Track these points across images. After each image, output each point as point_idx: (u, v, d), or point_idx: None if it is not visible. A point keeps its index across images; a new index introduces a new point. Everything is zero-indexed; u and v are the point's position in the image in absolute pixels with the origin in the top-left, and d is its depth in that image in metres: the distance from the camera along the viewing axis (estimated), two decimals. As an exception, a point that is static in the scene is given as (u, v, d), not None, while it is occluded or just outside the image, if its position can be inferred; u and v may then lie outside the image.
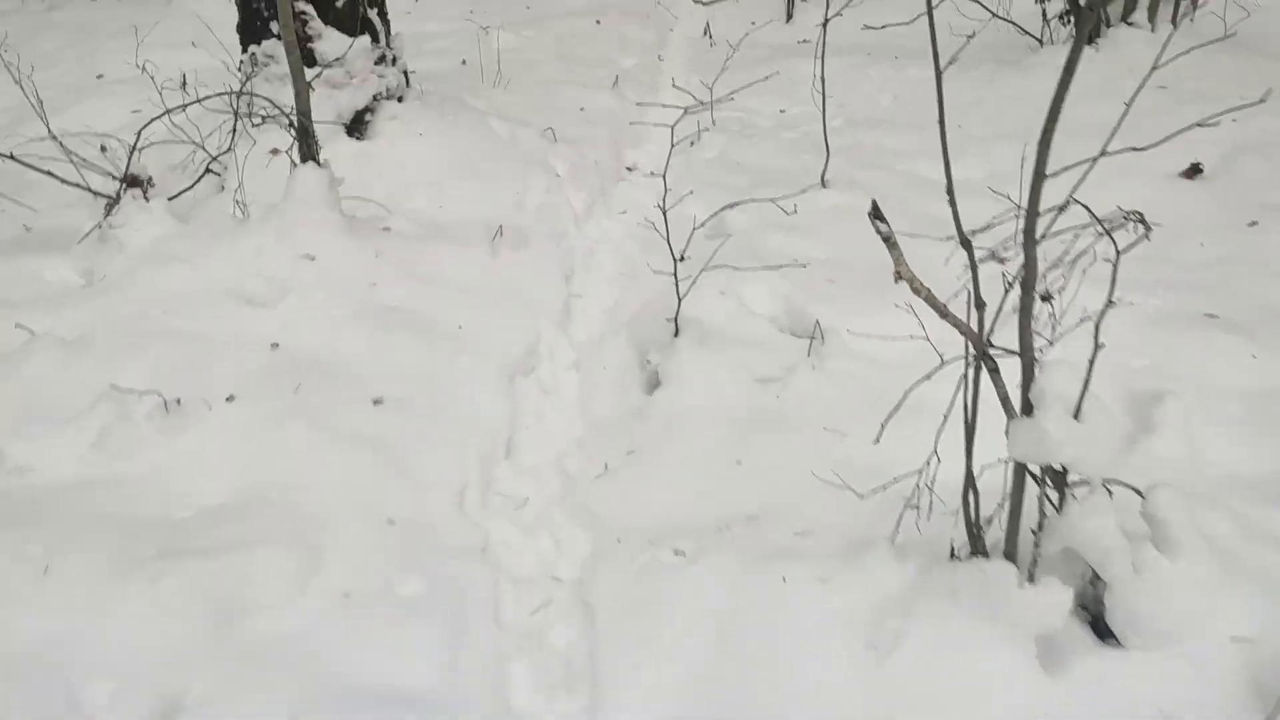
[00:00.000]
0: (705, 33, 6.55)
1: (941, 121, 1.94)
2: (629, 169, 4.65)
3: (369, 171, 3.90)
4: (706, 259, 3.18)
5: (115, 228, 3.43)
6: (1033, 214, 1.85)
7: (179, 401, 2.64)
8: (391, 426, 2.68)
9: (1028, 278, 1.88)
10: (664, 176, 3.14)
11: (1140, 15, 5.23)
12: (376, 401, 2.76)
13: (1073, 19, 5.43)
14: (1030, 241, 1.87)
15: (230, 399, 2.72)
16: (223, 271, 3.19)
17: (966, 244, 1.89)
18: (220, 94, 3.56)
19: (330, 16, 4.04)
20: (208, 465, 2.53)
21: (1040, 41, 5.50)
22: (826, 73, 5.87)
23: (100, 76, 5.61)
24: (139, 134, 3.58)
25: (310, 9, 4.00)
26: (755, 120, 5.10)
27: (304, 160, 3.42)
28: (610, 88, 5.27)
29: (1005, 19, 5.45)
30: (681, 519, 2.41)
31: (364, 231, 3.47)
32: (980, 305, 1.93)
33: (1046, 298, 1.96)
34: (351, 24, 4.07)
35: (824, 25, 4.03)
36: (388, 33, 4.31)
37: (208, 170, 3.82)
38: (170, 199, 3.67)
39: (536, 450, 2.83)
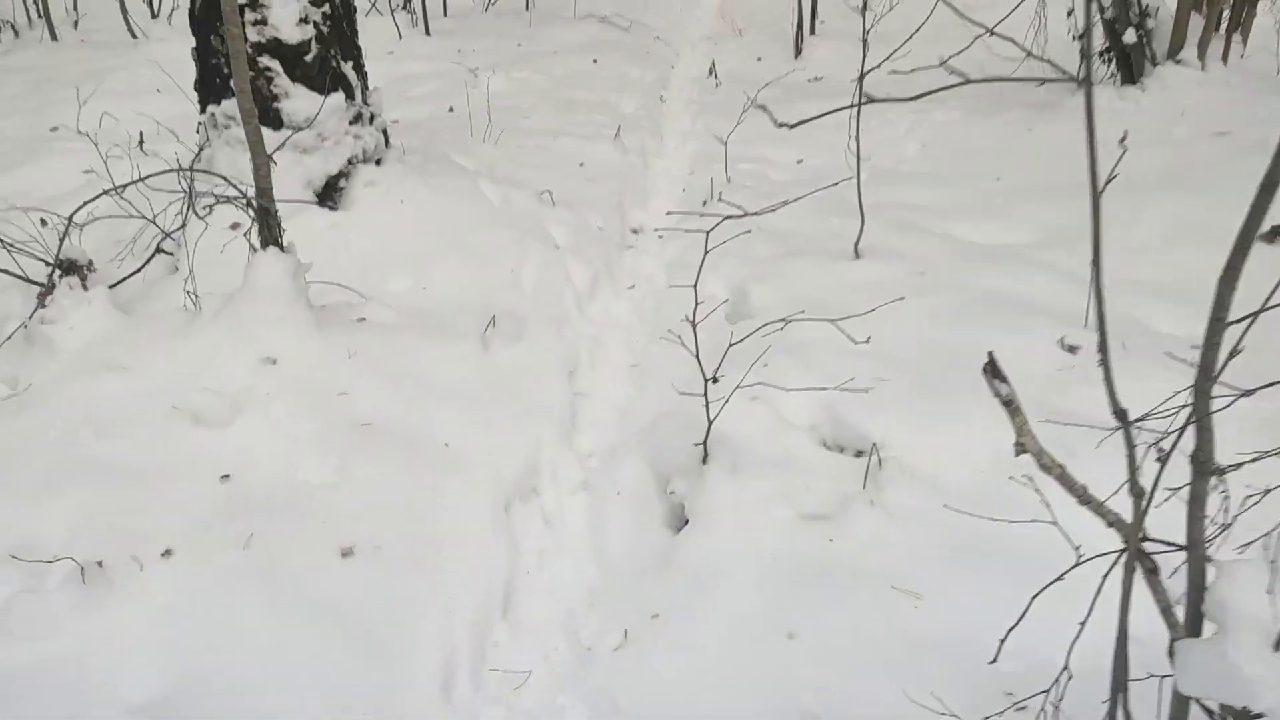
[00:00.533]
0: (710, 72, 6.10)
1: (1096, 262, 1.45)
2: (634, 231, 4.19)
3: (343, 248, 3.43)
4: (738, 368, 2.70)
5: (47, 323, 2.95)
6: (1208, 368, 1.37)
7: (101, 564, 2.15)
8: (364, 588, 2.20)
9: (1201, 451, 1.41)
10: (694, 287, 2.63)
11: (1189, 53, 4.80)
12: (346, 553, 2.28)
13: (1114, 57, 5.00)
14: (1204, 402, 1.40)
15: (167, 554, 2.23)
16: (167, 381, 2.71)
17: (1121, 416, 1.41)
18: (168, 170, 3.09)
19: (298, 72, 3.58)
20: (135, 649, 2.04)
21: (1077, 81, 5.07)
22: (841, 115, 5.46)
23: (55, 129, 5.14)
24: (73, 215, 3.11)
25: (276, 65, 3.54)
26: (771, 173, 4.65)
27: (265, 245, 2.95)
28: (612, 139, 4.82)
29: (1040, 58, 5.01)
30: (722, 714, 1.93)
31: (335, 325, 2.99)
32: (1139, 494, 1.45)
33: (1219, 472, 1.49)
34: (322, 80, 3.62)
35: (859, 80, 3.54)
36: (364, 87, 3.85)
37: (158, 250, 3.35)
38: (113, 286, 3.19)
39: (540, 604, 2.35)
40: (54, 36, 6.78)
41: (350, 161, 3.70)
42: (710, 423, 2.48)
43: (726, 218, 2.36)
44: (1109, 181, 1.44)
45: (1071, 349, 3.00)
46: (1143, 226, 3.70)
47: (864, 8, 7.54)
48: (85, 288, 3.11)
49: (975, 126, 4.90)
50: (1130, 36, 4.77)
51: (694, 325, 2.45)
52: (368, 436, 2.63)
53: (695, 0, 8.69)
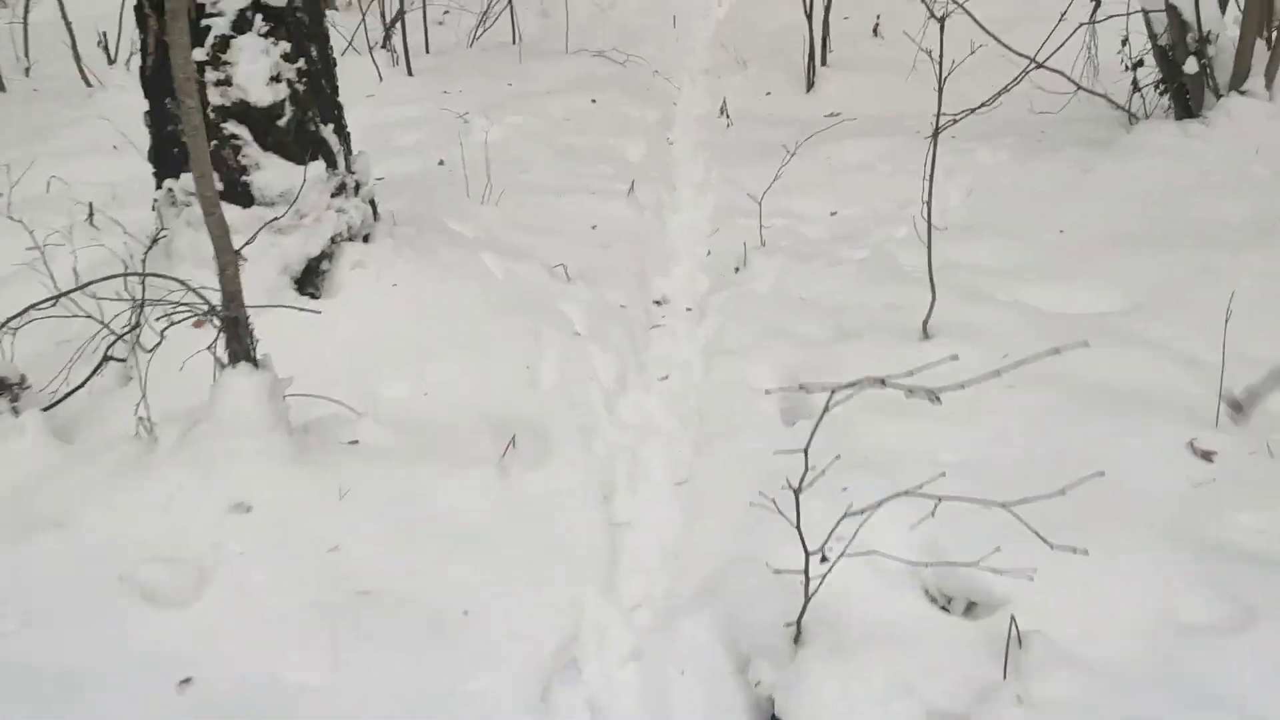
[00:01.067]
0: (722, 111, 5.62)
1: None
2: (658, 303, 3.68)
3: (328, 346, 2.92)
4: (816, 496, 2.19)
5: (-34, 462, 2.42)
6: None
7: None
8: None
9: None
10: (805, 452, 2.05)
11: (1255, 82, 4.36)
12: (345, 792, 1.76)
13: (1170, 89, 4.56)
14: None
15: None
16: (114, 541, 2.18)
17: None
18: (114, 276, 2.56)
19: (270, 140, 3.06)
20: None
21: (1131, 115, 4.62)
22: (869, 156, 5.00)
23: (-2, 197, 4.60)
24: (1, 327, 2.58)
25: (244, 131, 3.02)
26: (804, 228, 4.16)
27: (234, 360, 2.43)
28: (624, 194, 4.32)
29: (1092, 91, 4.56)
30: None
31: (321, 454, 2.47)
32: None
33: None
34: (299, 147, 3.10)
35: (934, 136, 3.07)
36: (347, 152, 3.34)
37: (107, 358, 2.82)
38: (50, 407, 2.66)
39: (597, 840, 1.83)
40: (1, 87, 6.24)
41: (334, 240, 3.18)
42: (808, 599, 1.96)
43: (853, 386, 1.79)
44: None
45: (1206, 455, 2.52)
46: (1248, 285, 3.23)
47: (875, 28, 7.14)
48: (15, 412, 2.58)
49: (1024, 169, 4.44)
50: (1191, 66, 4.32)
51: (797, 493, 1.92)
52: (367, 609, 2.11)
53: (690, 29, 8.23)
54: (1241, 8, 4.43)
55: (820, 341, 3.16)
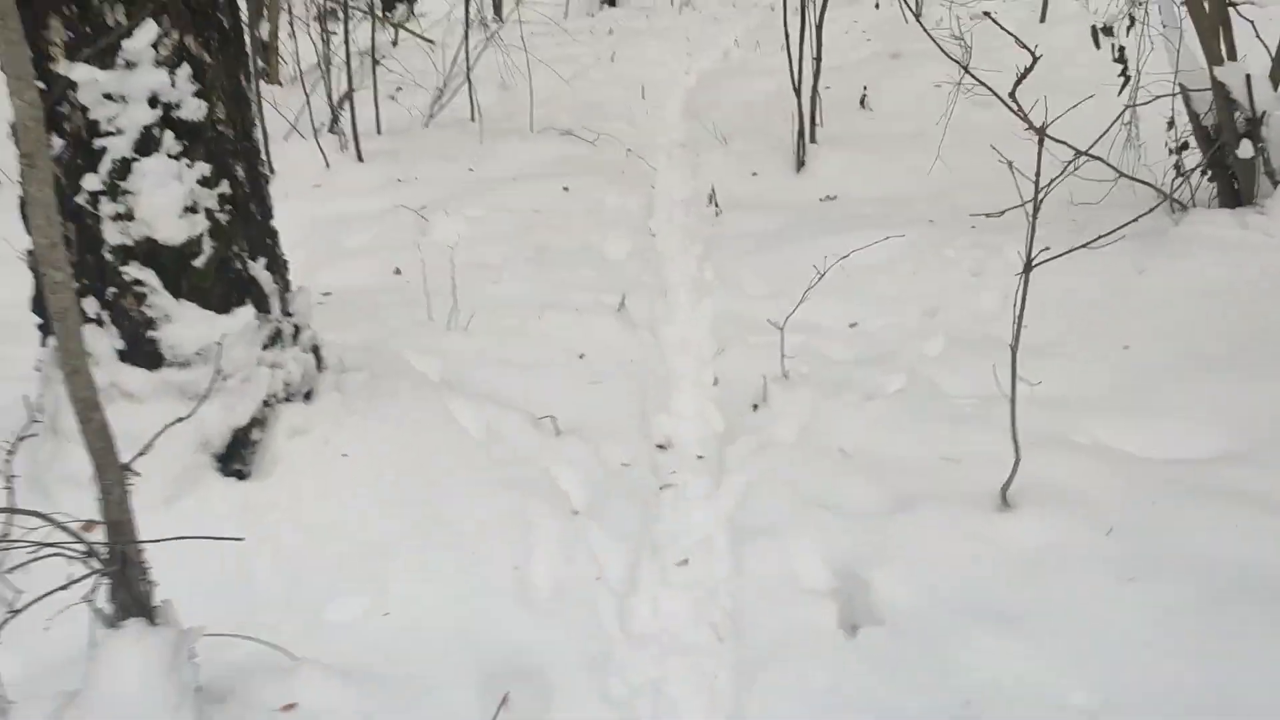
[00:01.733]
0: (710, 200, 5.08)
1: None
2: (661, 447, 3.08)
3: (257, 549, 2.28)
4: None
5: None
6: None
7: None
8: None
9: None
10: None
11: (1313, 168, 3.91)
12: None
13: (1217, 175, 4.10)
14: None
15: None
16: None
17: None
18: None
19: (184, 284, 2.44)
20: None
21: (1176, 203, 4.14)
22: (884, 253, 4.47)
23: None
24: None
25: (150, 276, 2.40)
26: (823, 345, 3.59)
27: (121, 614, 1.78)
28: (613, 310, 3.74)
29: (1135, 179, 4.07)
30: None
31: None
32: None
33: None
34: (222, 291, 2.49)
35: (1025, 273, 2.53)
36: (284, 289, 2.72)
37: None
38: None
39: None
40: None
41: (267, 402, 2.55)
42: None
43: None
44: None
45: None
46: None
47: (862, 99, 6.68)
48: None
49: (1066, 268, 3.91)
50: (1245, 150, 3.86)
51: None
52: None
53: (660, 100, 7.76)
54: (1290, 83, 3.98)
55: (873, 513, 2.57)
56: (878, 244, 4.36)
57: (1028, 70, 2.56)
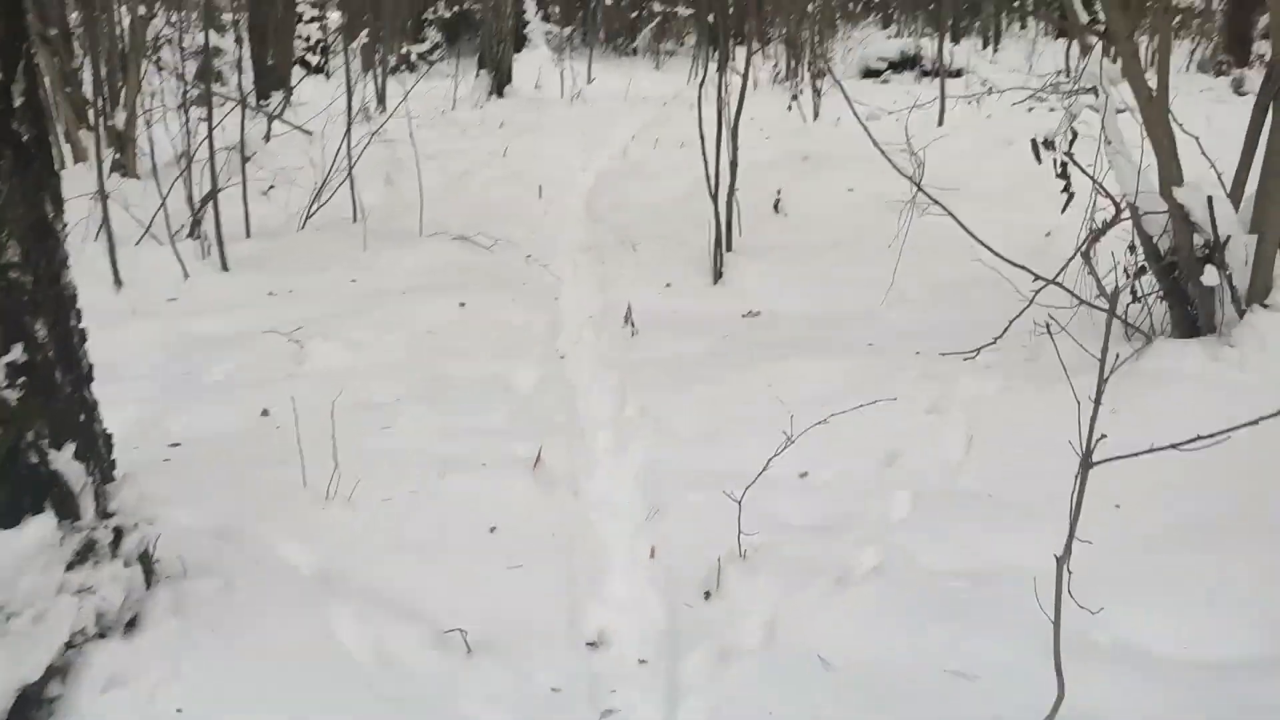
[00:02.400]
0: (626, 320, 4.57)
1: None
2: (592, 645, 2.48)
3: None
4: None
5: None
6: None
7: None
8: None
9: None
10: None
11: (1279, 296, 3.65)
12: None
13: (1169, 301, 3.82)
14: None
15: None
16: None
17: None
18: None
19: (-49, 491, 1.77)
20: None
21: (1136, 331, 3.83)
22: (826, 384, 4.03)
23: None
24: None
25: (-102, 482, 1.72)
26: (777, 507, 3.06)
27: None
28: (527, 464, 3.16)
29: (1096, 306, 3.75)
30: None
31: None
32: None
33: None
34: (7, 496, 1.82)
35: (1083, 471, 2.08)
36: (102, 479, 2.06)
37: None
38: None
39: None
40: None
41: (72, 643, 1.88)
42: None
43: None
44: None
45: None
46: None
47: (776, 204, 6.35)
48: None
49: (1031, 407, 3.53)
50: (1211, 277, 3.58)
51: None
52: None
53: (558, 199, 7.30)
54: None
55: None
56: (817, 373, 3.95)
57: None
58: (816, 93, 9.97)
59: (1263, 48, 11.24)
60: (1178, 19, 15.21)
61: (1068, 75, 12.21)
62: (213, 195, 5.27)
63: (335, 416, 3.22)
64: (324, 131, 7.33)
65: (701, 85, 5.15)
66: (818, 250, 5.63)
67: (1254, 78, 9.31)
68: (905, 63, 15.20)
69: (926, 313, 4.53)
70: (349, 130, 6.31)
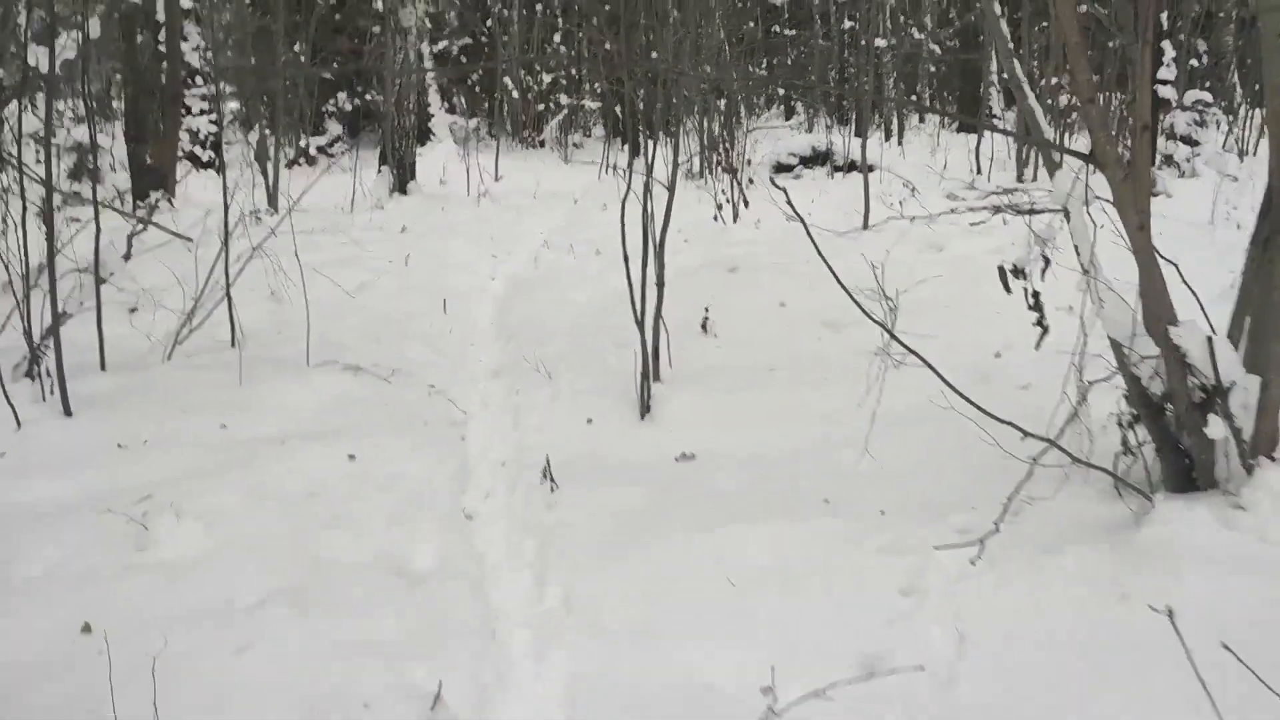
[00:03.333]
0: (545, 475, 3.94)
1: None
2: None
3: None
4: None
5: None
6: None
7: None
8: None
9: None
10: None
11: (1291, 447, 3.22)
12: None
13: (1160, 451, 3.37)
14: None
15: None
16: None
17: None
18: None
19: None
20: None
21: (1132, 489, 3.35)
22: (780, 557, 3.45)
23: None
24: None
25: None
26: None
27: None
28: (427, 699, 2.48)
29: (1092, 465, 3.26)
30: None
31: None
32: None
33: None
34: None
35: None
36: None
37: None
38: None
39: None
40: None
41: None
42: None
43: None
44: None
45: None
46: None
47: (704, 323, 5.83)
48: None
49: (1026, 593, 2.98)
50: (1217, 429, 3.14)
51: None
52: None
53: (465, 314, 6.69)
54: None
55: None
56: (768, 543, 3.38)
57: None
58: (742, 193, 9.60)
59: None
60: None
61: (1018, 181, 12.16)
62: (55, 329, 4.51)
63: (172, 637, 2.51)
64: (199, 239, 6.61)
65: (624, 201, 4.63)
66: (753, 376, 5.11)
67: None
68: (816, 158, 15.14)
69: (885, 459, 4.00)
70: (226, 244, 5.62)
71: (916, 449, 3.98)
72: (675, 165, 4.90)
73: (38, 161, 6.88)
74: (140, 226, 5.61)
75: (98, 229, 4.99)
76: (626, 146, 17.16)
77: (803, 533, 3.44)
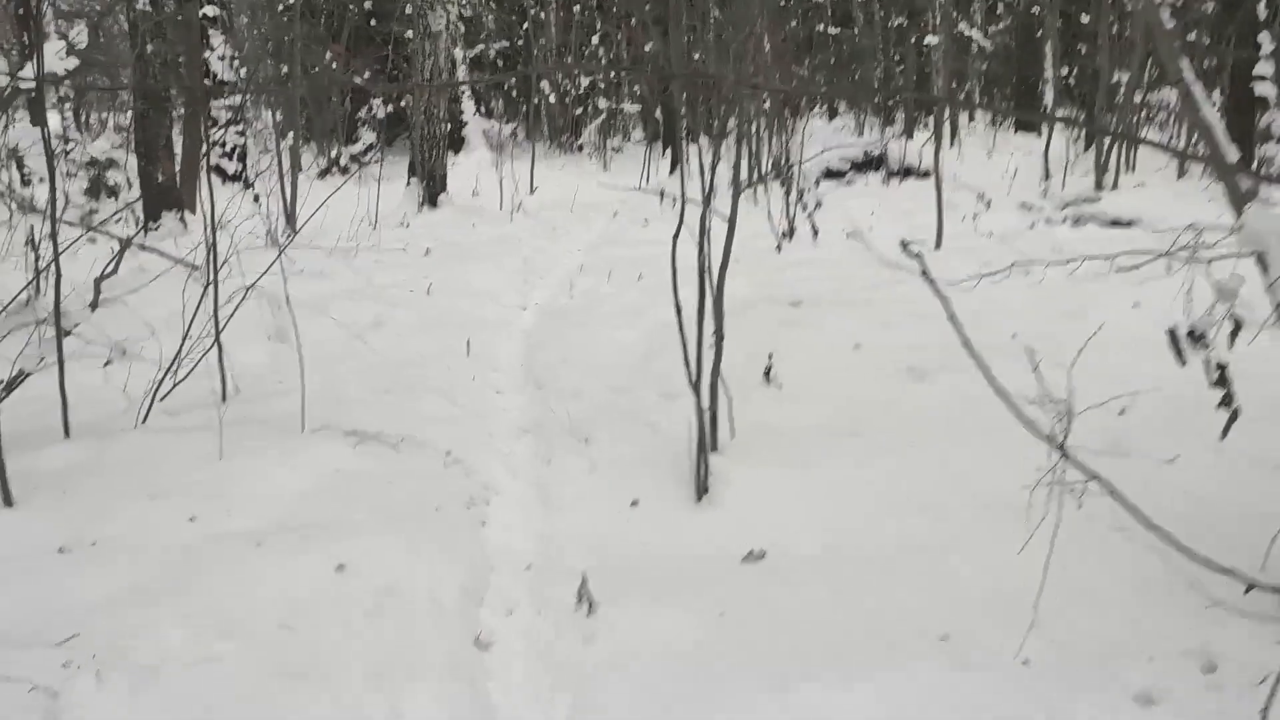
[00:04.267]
0: (580, 597, 3.12)
1: None
2: None
3: None
4: None
5: None
6: None
7: None
8: None
9: None
10: None
11: None
12: None
13: None
14: None
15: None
16: None
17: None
18: None
19: None
20: None
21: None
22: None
23: None
24: None
25: None
26: None
27: None
28: None
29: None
30: None
31: None
32: None
33: None
34: None
35: None
36: None
37: None
38: None
39: None
40: None
41: None
42: None
43: None
44: None
45: None
46: None
47: (767, 371, 4.96)
48: None
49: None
50: None
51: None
52: None
53: (489, 356, 5.92)
54: None
55: None
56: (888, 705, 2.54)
57: None
58: (802, 206, 8.72)
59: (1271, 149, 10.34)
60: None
61: (1096, 189, 11.08)
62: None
63: None
64: (206, 266, 5.86)
65: (675, 238, 3.81)
66: (829, 442, 4.27)
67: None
68: (869, 163, 14.24)
69: (1010, 566, 3.13)
70: (214, 281, 4.89)
71: (1058, 558, 3.11)
72: (737, 190, 4.06)
73: (25, 183, 6.23)
74: (119, 251, 4.87)
75: (58, 272, 4.26)
76: (668, 151, 16.34)
77: (917, 694, 2.59)
